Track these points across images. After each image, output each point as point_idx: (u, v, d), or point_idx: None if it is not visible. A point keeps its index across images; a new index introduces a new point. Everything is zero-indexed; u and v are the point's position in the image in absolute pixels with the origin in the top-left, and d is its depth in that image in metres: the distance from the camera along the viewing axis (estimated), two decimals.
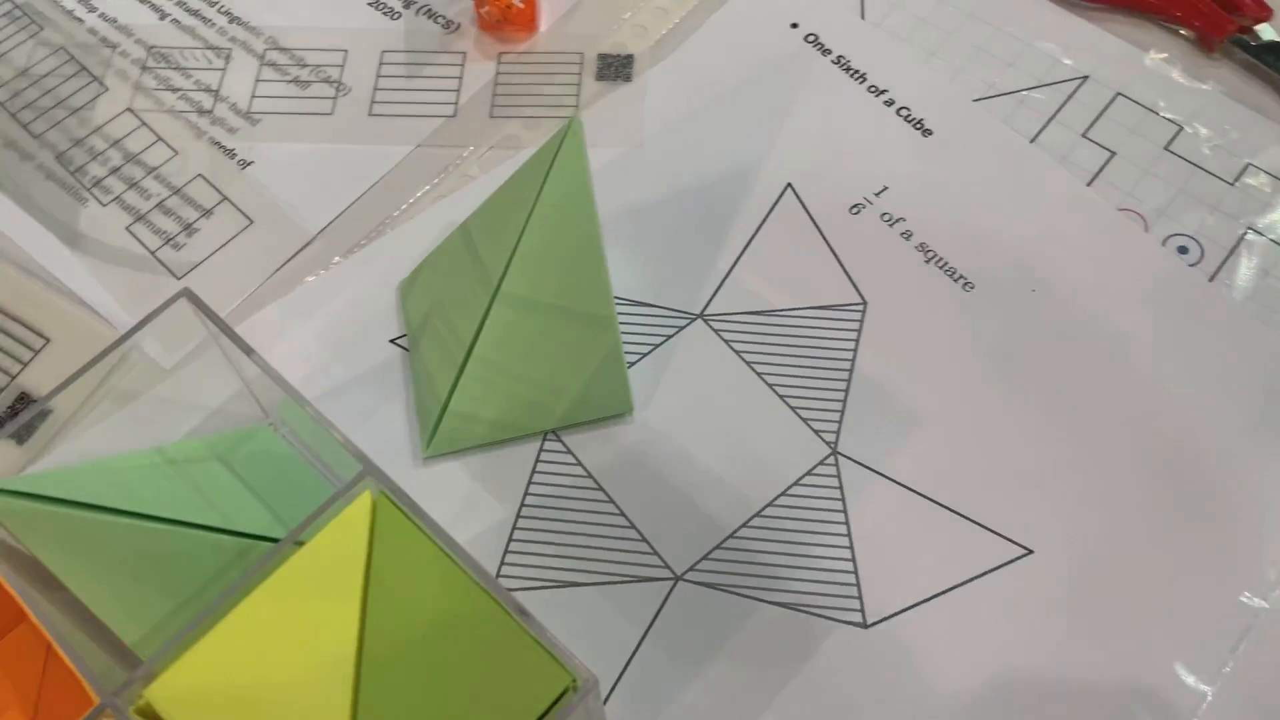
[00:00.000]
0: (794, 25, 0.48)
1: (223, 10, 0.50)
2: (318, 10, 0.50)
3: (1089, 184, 0.44)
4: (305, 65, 0.48)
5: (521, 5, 0.46)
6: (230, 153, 0.46)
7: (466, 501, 0.38)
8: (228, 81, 0.48)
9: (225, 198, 0.45)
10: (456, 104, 0.47)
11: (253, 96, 0.47)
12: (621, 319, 0.41)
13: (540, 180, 0.38)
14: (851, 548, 0.37)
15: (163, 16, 0.50)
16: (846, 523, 0.37)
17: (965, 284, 0.41)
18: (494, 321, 0.38)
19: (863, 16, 0.49)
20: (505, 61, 0.48)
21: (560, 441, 0.39)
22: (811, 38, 0.48)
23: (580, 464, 0.39)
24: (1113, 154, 0.44)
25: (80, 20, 0.50)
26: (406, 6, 0.50)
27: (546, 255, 0.38)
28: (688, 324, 0.41)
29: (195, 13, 0.50)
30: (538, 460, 0.39)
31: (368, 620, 0.28)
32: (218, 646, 0.27)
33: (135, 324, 0.33)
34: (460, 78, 0.47)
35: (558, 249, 0.38)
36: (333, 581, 0.28)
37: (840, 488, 0.38)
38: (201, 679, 0.27)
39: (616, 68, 0.47)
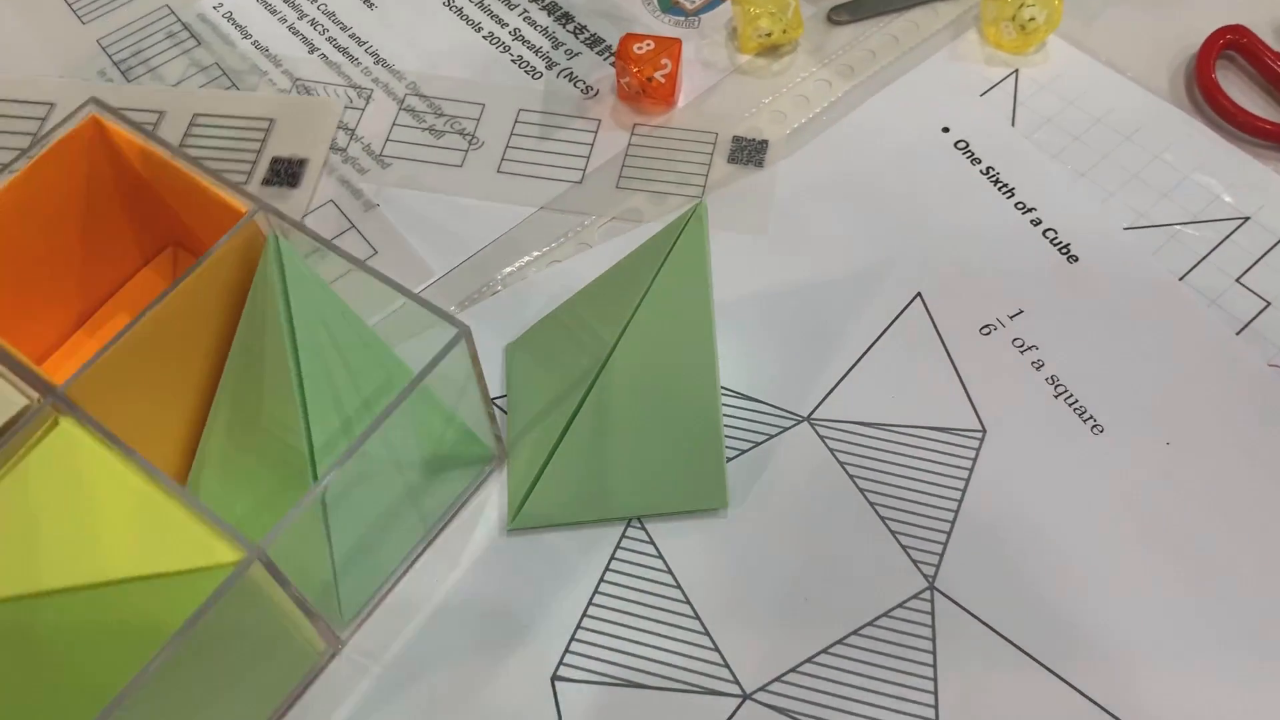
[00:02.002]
0: (945, 130, 0.47)
1: (370, 50, 0.50)
2: (461, 62, 0.50)
3: (1238, 333, 0.41)
4: (442, 115, 0.48)
5: (663, 80, 0.46)
6: (358, 193, 0.46)
7: (542, 579, 0.37)
8: (365, 122, 0.48)
9: (353, 225, 0.45)
10: (584, 170, 0.46)
11: (387, 140, 0.47)
12: (725, 411, 0.40)
13: (659, 261, 0.37)
14: (936, 693, 0.34)
15: (312, 50, 0.50)
16: (934, 664, 0.35)
17: (1095, 426, 0.39)
18: (594, 401, 0.37)
19: (1013, 124, 0.47)
20: (639, 133, 0.47)
21: (644, 530, 0.38)
22: (962, 144, 0.46)
23: (661, 557, 0.37)
24: (1268, 304, 0.41)
25: (233, 45, 0.51)
26: (549, 68, 0.49)
27: (657, 337, 0.37)
28: (793, 425, 0.40)
29: (344, 50, 0.50)
30: (618, 547, 0.37)
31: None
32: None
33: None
34: (592, 145, 0.47)
35: (669, 332, 0.37)
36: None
37: (933, 626, 0.35)
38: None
39: (750, 152, 0.46)
